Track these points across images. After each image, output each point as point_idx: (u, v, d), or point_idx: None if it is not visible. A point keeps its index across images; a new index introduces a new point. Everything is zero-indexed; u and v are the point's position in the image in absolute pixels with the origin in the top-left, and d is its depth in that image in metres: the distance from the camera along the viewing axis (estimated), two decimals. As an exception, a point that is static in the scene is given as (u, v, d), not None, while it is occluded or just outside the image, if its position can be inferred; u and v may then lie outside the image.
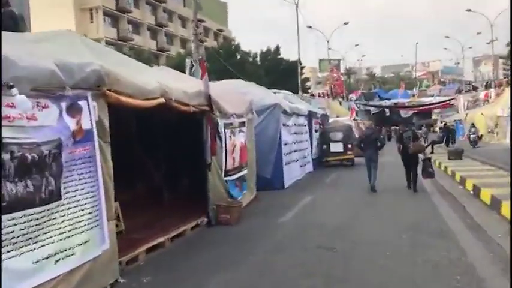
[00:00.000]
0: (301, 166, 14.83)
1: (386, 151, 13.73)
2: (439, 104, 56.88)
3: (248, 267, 5.60)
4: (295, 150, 14.12)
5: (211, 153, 7.78)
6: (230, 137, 8.85)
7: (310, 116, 17.19)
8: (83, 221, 4.48)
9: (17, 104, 3.62)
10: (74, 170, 4.47)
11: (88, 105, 4.74)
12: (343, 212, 8.86)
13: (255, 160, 10.65)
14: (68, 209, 4.32)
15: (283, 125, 12.78)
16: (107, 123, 5.06)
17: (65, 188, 4.31)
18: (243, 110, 9.76)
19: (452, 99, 55.41)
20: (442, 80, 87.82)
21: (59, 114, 4.31)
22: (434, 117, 58.10)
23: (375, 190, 11.17)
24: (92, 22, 49.86)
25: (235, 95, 10.23)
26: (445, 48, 76.26)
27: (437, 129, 43.05)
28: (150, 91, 5.92)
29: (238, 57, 46.80)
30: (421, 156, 11.50)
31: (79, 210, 4.46)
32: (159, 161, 10.41)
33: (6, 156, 3.63)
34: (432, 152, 23.05)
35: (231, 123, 8.95)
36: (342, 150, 18.45)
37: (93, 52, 5.53)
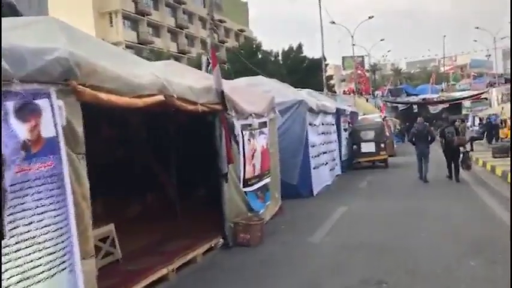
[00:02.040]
0: (330, 170, 13.40)
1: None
2: (471, 98, 54.39)
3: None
4: (324, 152, 12.70)
5: (228, 161, 6.47)
6: (249, 140, 7.54)
7: (339, 113, 15.73)
8: (40, 265, 3.21)
9: None
10: (27, 195, 3.21)
11: (51, 105, 3.50)
12: (388, 226, 7.41)
13: (278, 165, 9.30)
14: (16, 251, 3.07)
15: (310, 124, 11.39)
16: (80, 128, 3.80)
17: (11, 222, 3.07)
18: (263, 109, 8.42)
19: (484, 92, 52.81)
20: (472, 73, 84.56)
21: (3, 118, 3.08)
22: (464, 112, 55.79)
23: (427, 181, 12.08)
24: (111, 26, 49.49)
25: (253, 91, 8.92)
26: (475, 41, 73.06)
27: (468, 124, 40.78)
28: (143, 86, 4.66)
29: (260, 56, 45.58)
30: (461, 149, 12.51)
31: (35, 251, 3.20)
32: (172, 169, 9.20)
33: None
34: (472, 149, 21.24)
35: (250, 124, 7.64)
36: (374, 150, 16.91)
37: (72, 40, 4.30)
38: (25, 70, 3.27)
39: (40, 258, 3.22)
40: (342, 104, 20.68)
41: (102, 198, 7.89)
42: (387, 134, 21.55)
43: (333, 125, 14.56)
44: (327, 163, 12.89)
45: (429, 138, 12.41)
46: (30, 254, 3.16)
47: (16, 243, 3.08)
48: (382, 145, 17.11)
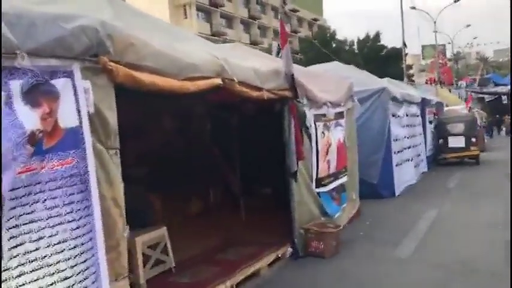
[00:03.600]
0: (415, 167, 11.94)
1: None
2: None
3: None
4: (408, 147, 11.28)
5: (298, 158, 5.51)
6: (323, 133, 6.52)
7: (424, 104, 14.10)
8: (51, 295, 2.49)
9: None
10: (37, 202, 2.50)
11: (74, 86, 2.76)
12: (493, 242, 6.02)
13: (357, 162, 8.17)
14: (19, 276, 2.36)
15: (393, 115, 10.06)
16: (113, 117, 3.05)
17: (13, 238, 2.36)
18: (340, 97, 7.33)
19: None
20: None
21: (5, 101, 2.37)
22: (562, 104, 50.19)
23: None
24: (185, 18, 50.11)
25: (328, 77, 7.84)
26: None
27: None
28: (196, 67, 3.83)
29: (334, 45, 43.87)
30: None
31: (44, 276, 2.48)
32: (236, 164, 8.43)
33: None
34: None
35: (324, 115, 6.61)
36: (463, 145, 15.03)
37: (117, 14, 3.59)
38: (36, 41, 2.54)
39: (51, 284, 2.49)
40: (425, 94, 18.85)
41: (161, 193, 7.34)
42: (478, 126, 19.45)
43: (418, 116, 13.01)
44: (411, 159, 11.46)
45: None
46: (37, 279, 2.44)
47: (19, 265, 2.37)
48: (474, 139, 15.20)
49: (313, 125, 6.19)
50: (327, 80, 7.43)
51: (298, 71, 6.37)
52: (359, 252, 5.80)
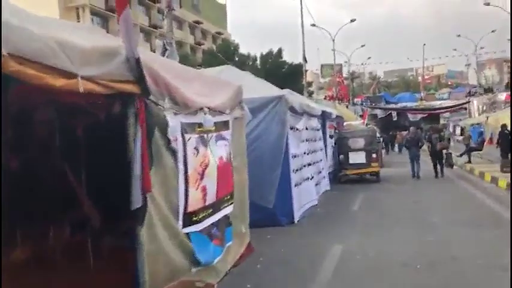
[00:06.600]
0: (316, 185, 10.64)
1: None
2: (454, 108, 53.32)
3: None
4: (309, 164, 9.95)
5: (144, 188, 3.60)
6: (196, 149, 4.68)
7: (324, 117, 13.04)
8: None
9: None
10: None
11: None
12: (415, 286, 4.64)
13: (247, 186, 6.46)
14: None
15: (291, 128, 8.62)
16: None
17: None
18: (224, 102, 5.58)
19: (467, 102, 51.62)
20: (448, 83, 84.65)
21: None
22: (442, 121, 54.73)
23: (419, 177, 14.57)
24: (78, 21, 45.94)
25: (209, 76, 6.10)
26: (455, 49, 71.33)
27: (448, 133, 39.01)
28: None
29: (237, 59, 42.90)
30: (444, 151, 15.37)
31: None
32: (83, 188, 6.30)
33: None
34: (469, 161, 18.92)
35: (199, 124, 4.80)
36: (364, 161, 14.26)
37: None
38: None
39: None
40: (325, 108, 18.10)
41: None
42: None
43: (319, 130, 11.83)
44: (312, 177, 10.12)
45: (419, 144, 15.19)
46: None
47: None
48: (374, 155, 14.54)
49: (179, 138, 4.34)
50: (206, 80, 5.66)
51: (160, 61, 4.54)
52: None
